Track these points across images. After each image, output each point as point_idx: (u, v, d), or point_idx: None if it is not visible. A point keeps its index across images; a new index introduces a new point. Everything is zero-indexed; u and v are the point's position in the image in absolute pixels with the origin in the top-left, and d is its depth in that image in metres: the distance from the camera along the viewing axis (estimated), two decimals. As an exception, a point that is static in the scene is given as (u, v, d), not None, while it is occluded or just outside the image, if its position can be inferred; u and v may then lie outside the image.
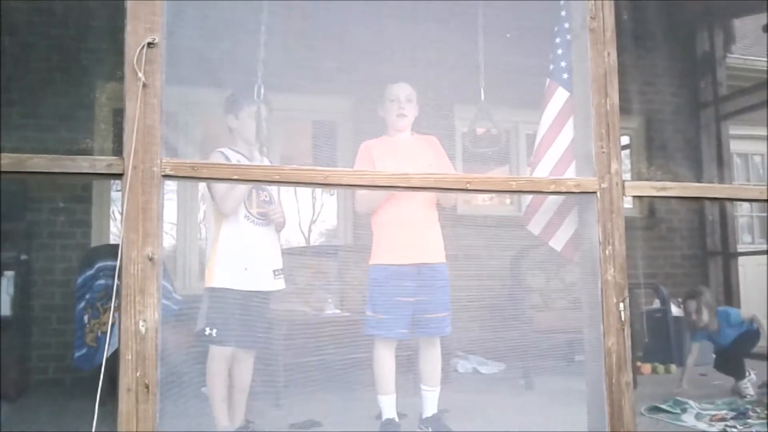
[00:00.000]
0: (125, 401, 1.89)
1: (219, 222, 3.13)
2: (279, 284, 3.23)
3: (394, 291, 3.18)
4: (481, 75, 3.30)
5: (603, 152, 2.46)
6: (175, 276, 4.93)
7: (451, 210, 5.63)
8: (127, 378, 1.90)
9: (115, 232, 5.31)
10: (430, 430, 3.26)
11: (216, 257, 3.11)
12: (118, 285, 1.94)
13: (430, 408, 3.30)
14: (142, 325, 1.93)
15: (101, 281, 4.18)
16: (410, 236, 3.23)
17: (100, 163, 2.00)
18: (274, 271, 3.18)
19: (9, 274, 4.48)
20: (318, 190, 6.03)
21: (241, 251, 3.09)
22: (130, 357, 1.91)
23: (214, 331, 3.03)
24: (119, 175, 1.98)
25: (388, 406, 3.19)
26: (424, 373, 3.33)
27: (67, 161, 1.97)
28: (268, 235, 3.20)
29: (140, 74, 1.98)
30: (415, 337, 3.30)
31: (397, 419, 3.20)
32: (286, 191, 4.96)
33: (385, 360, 3.21)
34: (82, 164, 1.98)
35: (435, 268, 3.28)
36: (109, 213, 5.23)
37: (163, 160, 2.01)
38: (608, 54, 2.51)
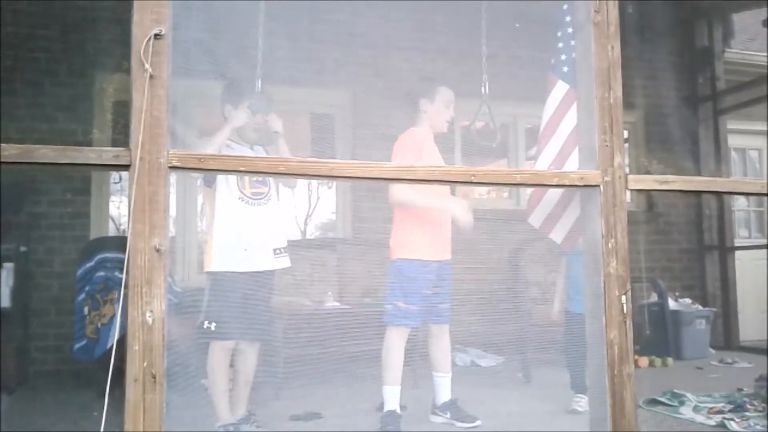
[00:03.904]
0: (132, 391, 1.89)
1: (214, 206, 3.13)
2: (282, 262, 3.21)
3: (419, 285, 3.29)
4: (483, 68, 3.32)
5: (606, 146, 2.47)
6: (174, 268, 4.92)
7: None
8: (134, 368, 1.90)
9: (112, 225, 5.31)
10: (448, 415, 3.31)
11: (214, 241, 3.10)
12: (125, 277, 1.93)
13: (444, 394, 3.38)
14: (149, 316, 1.93)
15: (101, 273, 4.18)
16: (438, 234, 3.39)
17: (107, 154, 1.98)
18: (274, 249, 3.17)
19: (8, 265, 4.49)
20: (315, 183, 6.04)
21: (239, 232, 3.09)
22: (137, 347, 1.91)
23: (213, 324, 3.02)
24: (126, 167, 1.97)
25: (392, 398, 3.21)
26: (437, 360, 3.41)
27: (74, 152, 1.96)
28: (266, 215, 3.18)
29: (147, 65, 1.97)
30: (429, 324, 3.42)
31: (399, 411, 3.22)
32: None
33: (397, 350, 3.26)
34: (89, 155, 1.97)
35: (448, 263, 3.44)
36: (108, 205, 5.22)
37: (170, 152, 2.00)
38: (612, 48, 2.50)
